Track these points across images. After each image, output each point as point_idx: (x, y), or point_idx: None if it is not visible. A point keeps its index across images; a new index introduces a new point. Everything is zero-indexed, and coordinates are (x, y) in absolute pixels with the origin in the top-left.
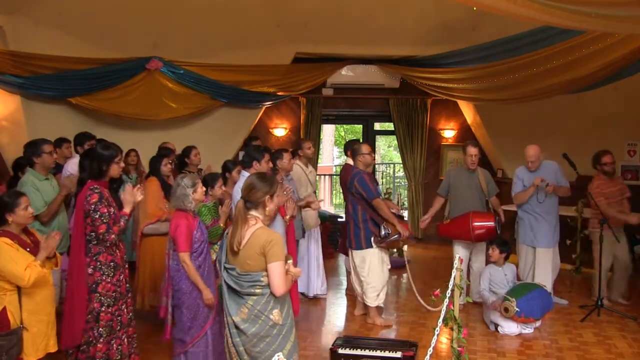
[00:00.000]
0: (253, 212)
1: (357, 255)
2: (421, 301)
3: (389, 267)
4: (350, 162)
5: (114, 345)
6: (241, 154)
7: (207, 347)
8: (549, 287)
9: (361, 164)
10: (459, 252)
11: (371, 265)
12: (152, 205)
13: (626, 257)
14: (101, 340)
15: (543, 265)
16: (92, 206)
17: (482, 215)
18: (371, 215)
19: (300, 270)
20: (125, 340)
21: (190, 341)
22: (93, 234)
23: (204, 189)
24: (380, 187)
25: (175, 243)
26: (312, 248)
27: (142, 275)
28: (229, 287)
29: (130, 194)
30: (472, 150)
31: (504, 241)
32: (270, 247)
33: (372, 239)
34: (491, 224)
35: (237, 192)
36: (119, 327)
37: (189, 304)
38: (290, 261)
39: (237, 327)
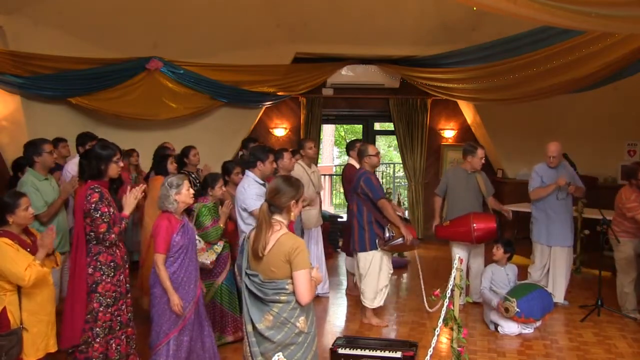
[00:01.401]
0: (277, 217)
1: (361, 257)
2: (425, 304)
3: (391, 271)
4: (352, 162)
5: (113, 345)
6: (240, 154)
7: (168, 357)
8: (563, 288)
9: (368, 165)
10: (458, 253)
11: (372, 268)
12: None
13: None
14: (98, 340)
15: (559, 265)
16: (93, 205)
17: (483, 217)
18: (376, 217)
19: (321, 276)
20: (125, 340)
21: (154, 347)
22: (92, 233)
23: (192, 190)
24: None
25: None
26: (313, 248)
27: (146, 275)
28: (250, 293)
29: (134, 196)
30: (483, 153)
31: (508, 241)
32: (296, 255)
33: (377, 241)
34: (492, 225)
35: (240, 192)
36: (118, 327)
37: (158, 309)
38: (314, 267)
39: (261, 335)
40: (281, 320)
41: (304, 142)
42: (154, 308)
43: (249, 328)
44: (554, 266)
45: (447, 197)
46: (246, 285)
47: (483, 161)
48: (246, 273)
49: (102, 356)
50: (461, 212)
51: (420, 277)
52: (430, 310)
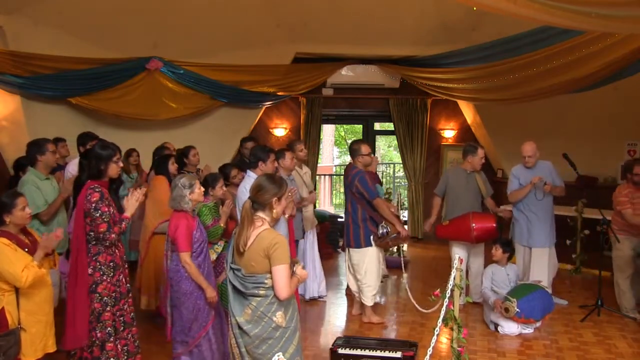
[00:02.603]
0: (260, 214)
1: (355, 253)
2: (415, 304)
3: (384, 267)
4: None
5: (119, 346)
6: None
7: (211, 345)
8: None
9: (360, 164)
10: (458, 253)
11: (369, 265)
12: (166, 203)
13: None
14: (111, 339)
15: (539, 266)
16: (93, 205)
17: (483, 216)
18: (370, 214)
19: (306, 273)
20: (131, 339)
21: (192, 342)
22: (92, 233)
23: (202, 189)
24: (382, 187)
25: (175, 244)
26: (308, 250)
27: (146, 274)
28: (234, 287)
29: (136, 198)
30: (483, 152)
31: (507, 241)
32: (274, 250)
33: (372, 237)
34: (492, 225)
35: (242, 192)
36: (122, 327)
37: (188, 305)
38: (298, 264)
39: (240, 328)
40: (258, 314)
41: (295, 144)
42: (184, 304)
43: (233, 321)
44: (533, 266)
45: (446, 197)
46: (230, 279)
47: (483, 161)
48: (230, 267)
49: (114, 356)
50: (461, 212)
51: (406, 280)
52: (424, 311)
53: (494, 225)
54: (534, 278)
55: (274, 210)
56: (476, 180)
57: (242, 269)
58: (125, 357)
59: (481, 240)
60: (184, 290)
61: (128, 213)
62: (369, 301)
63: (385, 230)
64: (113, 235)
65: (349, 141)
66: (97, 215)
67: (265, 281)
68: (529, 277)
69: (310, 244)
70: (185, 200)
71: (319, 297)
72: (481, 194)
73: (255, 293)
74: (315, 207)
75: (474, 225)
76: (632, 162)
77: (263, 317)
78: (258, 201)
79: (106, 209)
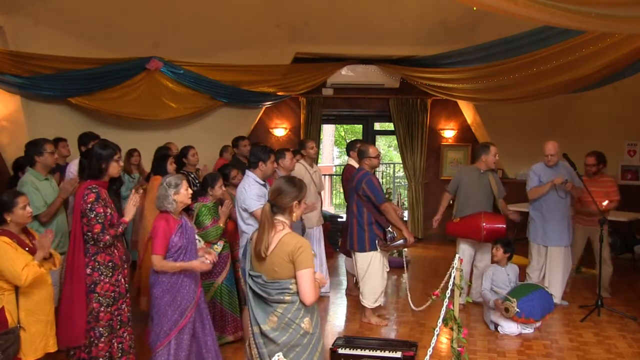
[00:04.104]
0: (280, 217)
1: (359, 257)
2: (410, 303)
3: (388, 269)
4: (352, 162)
5: (115, 344)
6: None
7: (169, 357)
8: (560, 288)
9: (368, 166)
10: (465, 250)
11: (372, 268)
12: None
13: (606, 256)
14: (102, 339)
15: (555, 265)
16: (89, 205)
17: (494, 217)
18: (377, 218)
19: (324, 277)
20: (127, 337)
21: (154, 348)
22: (90, 233)
23: (190, 190)
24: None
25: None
26: (315, 248)
27: (145, 275)
28: (255, 294)
29: (135, 203)
30: (495, 150)
31: (508, 241)
32: (299, 254)
33: (377, 242)
34: (502, 226)
35: (241, 192)
36: (119, 326)
37: (158, 310)
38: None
39: (265, 336)
40: (286, 321)
41: (305, 142)
42: (154, 309)
43: (256, 330)
44: (550, 266)
45: (458, 195)
46: (250, 287)
47: (497, 157)
48: (249, 274)
49: (107, 355)
50: (471, 210)
51: (406, 279)
52: (415, 309)
53: (504, 226)
54: (550, 277)
55: (294, 214)
56: (489, 180)
57: (262, 275)
58: (120, 354)
59: (489, 239)
60: (155, 295)
61: (127, 218)
62: (369, 303)
63: (391, 235)
64: (107, 237)
65: (348, 141)
66: (92, 216)
67: (290, 286)
68: (544, 276)
69: (317, 241)
70: (168, 200)
71: (324, 293)
72: (493, 194)
73: (280, 299)
74: (321, 205)
75: (484, 224)
76: (588, 153)
77: (291, 324)
78: (278, 205)
79: (101, 210)
